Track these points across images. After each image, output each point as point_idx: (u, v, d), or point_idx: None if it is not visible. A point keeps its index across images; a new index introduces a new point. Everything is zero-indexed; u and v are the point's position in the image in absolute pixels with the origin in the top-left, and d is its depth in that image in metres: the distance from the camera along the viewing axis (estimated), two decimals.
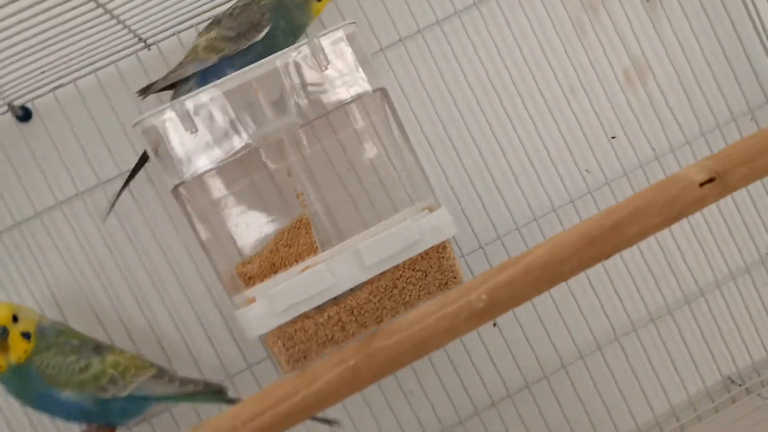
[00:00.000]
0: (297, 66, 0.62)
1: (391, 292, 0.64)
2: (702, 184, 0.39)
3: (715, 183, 0.39)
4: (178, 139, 0.60)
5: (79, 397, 0.62)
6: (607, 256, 0.40)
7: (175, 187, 0.62)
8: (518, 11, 0.78)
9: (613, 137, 0.80)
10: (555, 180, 0.79)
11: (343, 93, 0.63)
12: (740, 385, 0.81)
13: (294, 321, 0.62)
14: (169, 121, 0.60)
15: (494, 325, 0.80)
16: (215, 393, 0.67)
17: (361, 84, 0.63)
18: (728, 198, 0.80)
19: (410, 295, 0.64)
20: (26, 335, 0.62)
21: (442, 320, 0.38)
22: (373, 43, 0.76)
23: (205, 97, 0.61)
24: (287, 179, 0.71)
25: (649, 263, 0.80)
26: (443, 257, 0.65)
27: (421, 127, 0.78)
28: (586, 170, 0.80)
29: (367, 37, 0.76)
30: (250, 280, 0.67)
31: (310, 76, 0.62)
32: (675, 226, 0.78)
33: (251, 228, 0.70)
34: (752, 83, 0.81)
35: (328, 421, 0.70)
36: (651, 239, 0.79)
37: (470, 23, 0.78)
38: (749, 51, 0.81)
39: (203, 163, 0.62)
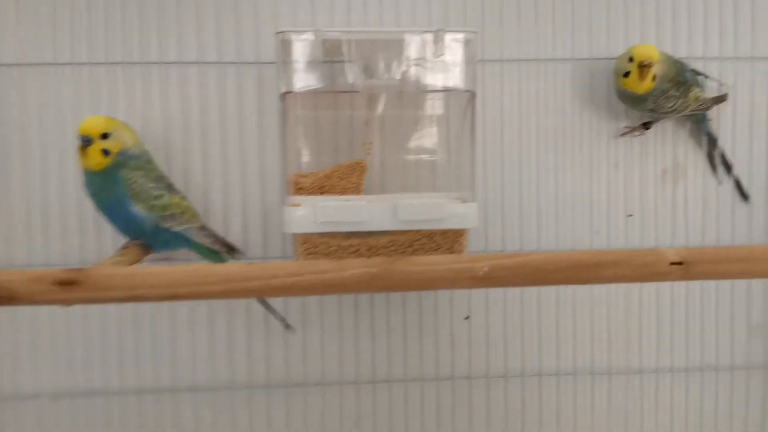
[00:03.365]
0: (419, 44, 0.74)
1: (406, 248, 0.77)
2: (671, 264, 0.51)
3: (681, 266, 0.51)
4: (304, 58, 0.73)
5: (145, 215, 0.74)
6: (583, 283, 0.52)
7: (284, 94, 0.75)
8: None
9: (630, 215, 0.92)
10: (567, 224, 0.92)
11: (441, 81, 0.76)
12: None
13: (323, 234, 0.75)
14: (305, 42, 0.72)
15: (466, 318, 0.93)
16: (233, 258, 0.81)
17: (457, 81, 0.76)
18: (721, 317, 0.94)
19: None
20: (106, 152, 0.71)
21: (450, 271, 0.51)
22: (479, 52, 0.88)
23: (339, 36, 0.73)
24: (363, 127, 0.83)
25: (642, 328, 0.94)
26: (456, 241, 0.78)
27: (485, 135, 0.90)
28: (596, 232, 0.92)
29: (479, 45, 0.88)
30: (299, 190, 0.80)
31: (425, 57, 0.74)
32: (665, 314, 0.92)
33: (317, 151, 0.83)
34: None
35: (285, 323, 0.86)
36: (650, 312, 0.94)
37: (547, 75, 0.90)
38: None
39: (311, 83, 0.75)
